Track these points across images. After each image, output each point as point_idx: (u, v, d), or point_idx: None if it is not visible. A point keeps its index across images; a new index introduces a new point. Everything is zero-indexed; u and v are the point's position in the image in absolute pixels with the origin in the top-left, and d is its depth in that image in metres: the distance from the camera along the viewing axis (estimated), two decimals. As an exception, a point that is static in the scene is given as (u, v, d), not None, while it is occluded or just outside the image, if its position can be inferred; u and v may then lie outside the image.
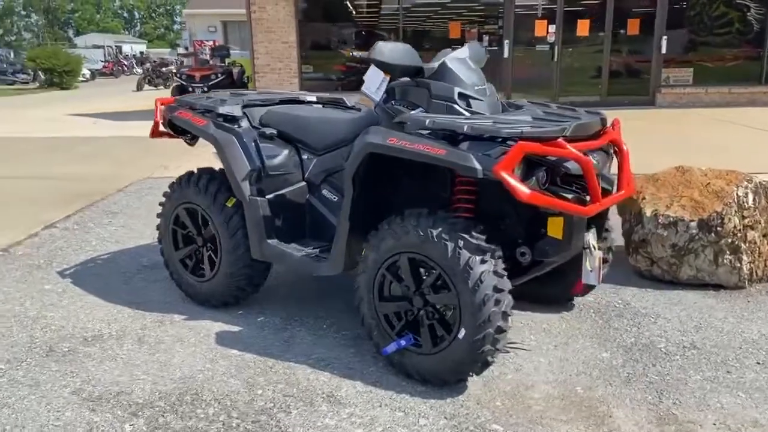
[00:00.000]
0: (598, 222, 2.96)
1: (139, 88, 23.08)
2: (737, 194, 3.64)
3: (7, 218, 5.27)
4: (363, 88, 3.23)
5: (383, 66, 2.85)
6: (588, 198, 2.62)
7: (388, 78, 3.06)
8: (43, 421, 2.42)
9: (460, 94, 2.87)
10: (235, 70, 14.47)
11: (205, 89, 13.57)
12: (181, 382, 2.71)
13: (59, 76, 24.14)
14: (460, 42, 13.86)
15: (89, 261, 4.25)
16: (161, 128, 3.55)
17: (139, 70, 30.50)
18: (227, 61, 15.11)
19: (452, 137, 2.53)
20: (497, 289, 2.47)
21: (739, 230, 3.60)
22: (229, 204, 3.23)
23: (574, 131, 2.60)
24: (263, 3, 12.86)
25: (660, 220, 3.67)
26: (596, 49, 13.59)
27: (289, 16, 13.01)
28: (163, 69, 24.52)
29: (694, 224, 3.60)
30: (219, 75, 13.84)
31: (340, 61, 13.97)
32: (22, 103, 18.02)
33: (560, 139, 2.50)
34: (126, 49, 49.07)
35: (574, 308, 3.46)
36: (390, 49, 2.83)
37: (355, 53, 13.50)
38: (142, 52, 45.04)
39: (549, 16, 13.35)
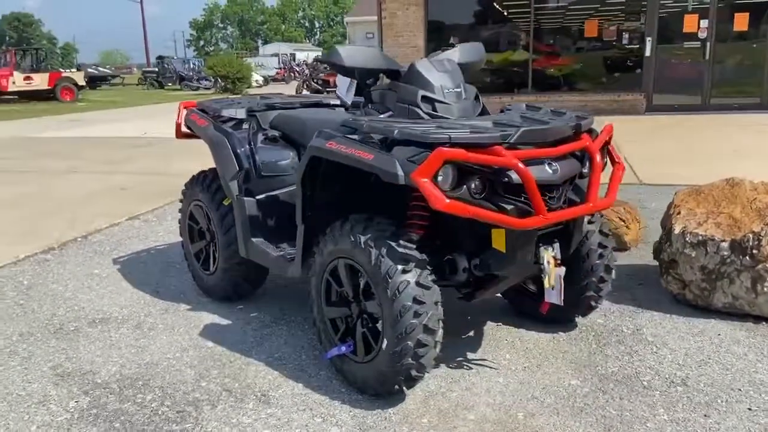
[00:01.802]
0: (565, 236, 2.71)
1: (298, 91, 24.50)
2: (784, 213, 3.15)
3: (103, 208, 5.91)
4: (337, 90, 3.23)
5: (340, 69, 2.84)
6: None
7: (355, 81, 3.05)
8: (10, 390, 2.72)
9: (424, 98, 2.78)
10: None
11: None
12: (144, 367, 2.91)
13: (232, 83, 26.28)
14: (598, 41, 13.16)
15: (145, 250, 4.65)
16: (184, 129, 3.79)
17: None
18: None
19: (388, 142, 2.47)
20: (417, 301, 2.36)
21: (783, 255, 3.10)
22: (225, 202, 3.39)
23: (521, 138, 2.42)
24: (394, 9, 13.10)
25: (688, 239, 3.27)
26: (756, 45, 12.21)
27: (418, 20, 13.14)
28: (321, 74, 25.82)
29: (725, 245, 3.16)
30: (353, 79, 14.28)
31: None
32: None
33: (499, 146, 2.35)
34: (301, 56, 52.18)
35: (575, 329, 3.20)
36: (347, 53, 2.81)
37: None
38: (315, 59, 47.67)
39: (700, 10, 12.22)
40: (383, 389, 2.54)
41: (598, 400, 2.57)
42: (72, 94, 23.43)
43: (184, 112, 3.75)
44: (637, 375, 2.75)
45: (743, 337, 3.06)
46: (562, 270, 2.60)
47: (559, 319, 3.21)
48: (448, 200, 2.27)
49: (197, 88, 29.84)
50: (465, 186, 2.37)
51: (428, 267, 2.45)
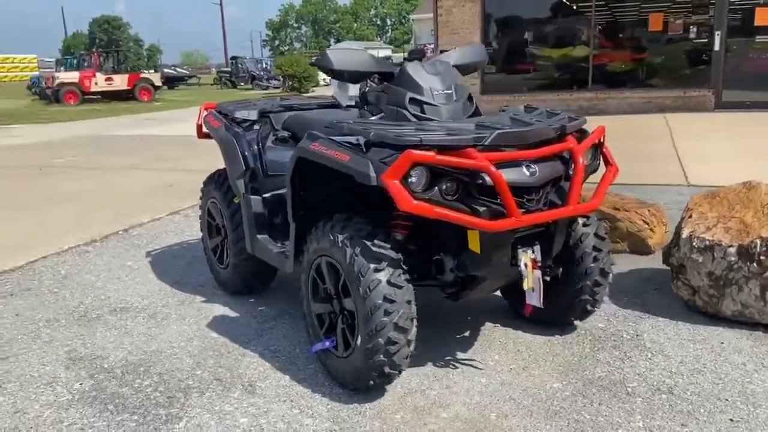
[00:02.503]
0: (546, 239, 2.70)
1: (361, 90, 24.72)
2: (797, 218, 3.01)
3: (150, 203, 6.22)
4: (333, 92, 3.31)
5: (329, 72, 2.92)
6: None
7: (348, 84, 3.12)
8: (25, 371, 2.95)
9: (412, 100, 2.83)
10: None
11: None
12: (149, 354, 3.08)
13: (299, 82, 26.83)
14: (663, 35, 12.69)
15: (177, 244, 4.88)
16: (204, 129, 3.97)
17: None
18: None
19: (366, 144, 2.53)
20: (388, 300, 2.41)
21: (794, 262, 2.97)
22: (236, 200, 3.54)
23: (496, 140, 2.44)
24: (450, 6, 13.07)
25: (695, 243, 3.17)
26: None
27: (475, 17, 13.04)
28: None
29: (732, 250, 3.05)
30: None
31: (526, 60, 13.65)
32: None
33: (472, 149, 2.37)
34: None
35: (573, 333, 3.17)
36: (336, 56, 2.89)
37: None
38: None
39: (777, 1, 11.58)
40: (359, 384, 2.61)
41: (575, 404, 2.55)
42: (149, 94, 24.55)
43: (204, 113, 3.93)
44: (623, 381, 2.71)
45: (747, 347, 2.95)
46: (539, 273, 2.59)
47: (557, 323, 3.19)
48: (415, 201, 2.32)
49: (267, 87, 30.62)
50: (437, 188, 2.41)
51: (403, 266, 2.50)
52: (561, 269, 3.01)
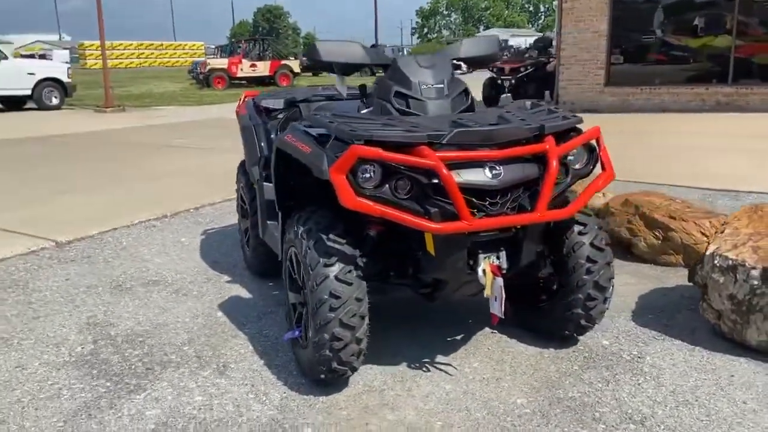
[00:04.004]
0: (514, 247, 2.52)
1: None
2: (839, 241, 2.58)
3: (229, 185, 6.54)
4: (336, 83, 3.29)
5: (318, 64, 2.91)
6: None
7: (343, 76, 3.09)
8: (46, 332, 3.24)
9: (398, 93, 2.77)
10: (553, 62, 14.28)
11: (512, 81, 13.81)
12: (153, 327, 3.28)
13: (431, 68, 26.84)
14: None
15: (234, 225, 5.11)
16: (243, 116, 4.12)
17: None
18: (552, 51, 14.97)
19: (327, 137, 2.52)
20: (334, 295, 2.40)
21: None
22: (255, 186, 3.65)
23: (455, 139, 2.33)
24: (575, -9, 12.45)
25: (716, 262, 2.83)
26: None
27: (603, 3, 12.32)
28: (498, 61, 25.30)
29: (756, 273, 2.69)
30: (528, 68, 13.88)
31: (658, 51, 12.68)
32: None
33: (425, 147, 2.29)
34: (515, 42, 51.30)
35: (570, 348, 2.96)
36: (324, 48, 2.88)
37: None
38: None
39: None
40: (312, 376, 2.62)
41: (530, 423, 2.39)
42: (288, 80, 25.78)
43: (243, 101, 4.08)
44: (595, 404, 2.49)
45: (761, 383, 2.59)
46: (500, 281, 2.44)
47: (555, 336, 2.99)
48: (359, 198, 2.28)
49: None
50: (388, 185, 2.34)
51: (358, 263, 2.47)
52: (558, 279, 2.84)
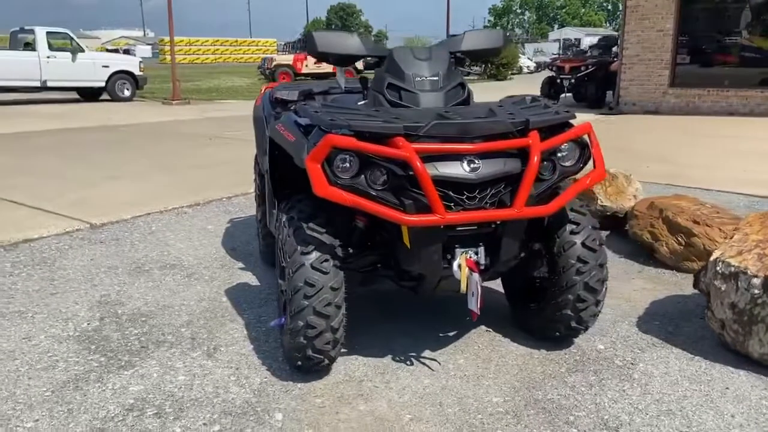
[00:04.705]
0: (494, 242, 2.47)
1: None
2: None
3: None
4: (336, 74, 3.30)
5: (314, 54, 2.93)
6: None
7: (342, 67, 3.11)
8: (59, 307, 3.40)
9: (390, 85, 2.77)
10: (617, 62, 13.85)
11: (572, 80, 13.48)
12: (159, 308, 3.39)
13: (496, 69, 26.56)
14: None
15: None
16: (264, 108, 4.19)
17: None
18: (614, 51, 14.53)
19: (310, 126, 2.54)
20: (308, 284, 2.42)
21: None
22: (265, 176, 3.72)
23: (432, 131, 2.32)
24: (641, -11, 12.03)
25: (719, 268, 2.70)
26: None
27: (669, 1, 11.85)
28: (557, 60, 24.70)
29: (757, 281, 2.54)
30: (589, 67, 13.50)
31: (729, 51, 12.09)
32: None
33: (400, 138, 2.29)
34: (588, 41, 50.01)
35: (563, 350, 2.88)
36: (320, 38, 2.89)
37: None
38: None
39: None
40: (290, 363, 2.66)
41: (499, 421, 2.34)
42: (351, 75, 25.96)
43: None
44: (572, 408, 2.42)
45: (755, 398, 2.46)
46: (476, 276, 2.40)
47: (548, 337, 2.92)
48: (330, 187, 2.29)
49: (468, 74, 30.60)
50: (363, 176, 2.35)
51: (336, 252, 2.48)
52: (550, 278, 2.77)
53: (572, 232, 2.67)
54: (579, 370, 2.70)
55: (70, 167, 7.34)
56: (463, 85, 2.85)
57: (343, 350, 2.85)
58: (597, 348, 2.90)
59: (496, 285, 3.29)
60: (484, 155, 2.35)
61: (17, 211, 5.29)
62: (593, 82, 13.58)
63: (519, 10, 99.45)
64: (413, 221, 2.28)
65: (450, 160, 2.33)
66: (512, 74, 28.01)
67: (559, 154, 2.53)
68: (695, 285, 2.97)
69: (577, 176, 2.65)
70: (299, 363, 2.58)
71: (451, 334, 3.06)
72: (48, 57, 16.01)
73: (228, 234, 4.71)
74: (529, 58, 35.04)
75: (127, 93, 17.49)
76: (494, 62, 26.38)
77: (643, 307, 3.34)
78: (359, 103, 2.93)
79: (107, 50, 47.29)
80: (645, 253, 4.09)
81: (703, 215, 3.82)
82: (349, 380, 2.66)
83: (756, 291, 2.54)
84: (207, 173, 6.98)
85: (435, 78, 2.76)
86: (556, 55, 40.26)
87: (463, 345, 2.95)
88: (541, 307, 2.83)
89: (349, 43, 2.93)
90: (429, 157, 2.31)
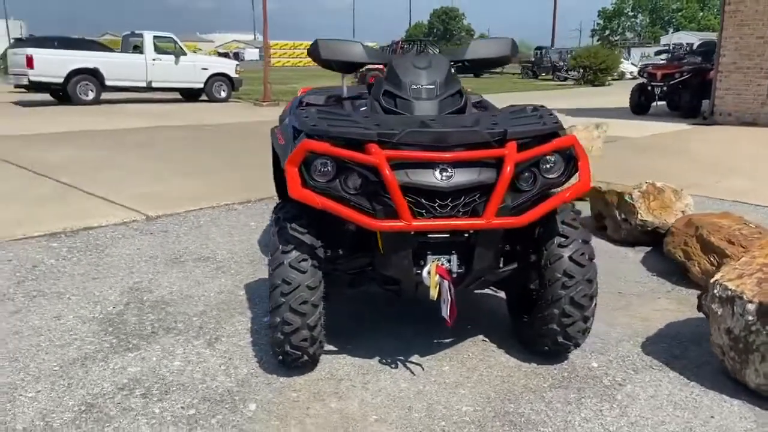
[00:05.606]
0: (466, 250, 2.47)
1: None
2: None
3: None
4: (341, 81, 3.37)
5: (319, 62, 3.02)
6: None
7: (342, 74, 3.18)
8: (93, 291, 3.67)
9: (386, 92, 2.82)
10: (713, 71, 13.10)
11: (664, 88, 12.87)
12: (180, 296, 3.60)
13: (594, 74, 25.76)
14: None
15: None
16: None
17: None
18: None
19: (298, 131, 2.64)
20: (285, 281, 2.51)
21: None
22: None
23: (406, 138, 2.36)
24: (740, -6, 11.34)
25: (716, 291, 2.56)
26: None
27: (771, 7, 11.09)
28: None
29: (751, 307, 2.40)
30: (684, 74, 12.82)
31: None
32: (543, 96, 20.31)
33: (373, 144, 2.35)
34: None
35: (554, 365, 2.83)
36: (325, 46, 2.98)
37: None
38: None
39: None
40: (274, 356, 2.76)
41: (461, 430, 2.35)
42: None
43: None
44: (539, 424, 2.39)
45: (740, 429, 2.32)
46: (446, 284, 2.41)
47: (537, 351, 2.87)
48: (303, 189, 2.38)
49: (565, 79, 29.91)
50: (338, 180, 2.42)
51: (316, 253, 2.56)
52: (539, 291, 2.73)
53: (560, 245, 2.62)
54: (562, 387, 2.65)
55: (150, 163, 7.84)
56: (460, 93, 2.85)
57: (333, 349, 2.94)
58: (590, 365, 2.82)
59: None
60: (457, 164, 2.36)
61: (88, 202, 5.73)
62: (688, 90, 12.89)
63: (631, 13, 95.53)
64: (380, 226, 2.33)
65: (423, 167, 2.36)
66: (612, 80, 26.99)
67: (544, 166, 2.49)
68: (699, 308, 2.83)
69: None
70: (280, 357, 2.68)
71: (445, 341, 3.07)
72: (153, 59, 17.03)
73: (266, 231, 4.90)
74: (633, 63, 33.62)
75: (223, 94, 18.32)
76: (592, 67, 25.58)
77: (657, 328, 3.21)
78: (361, 110, 3.00)
79: (218, 53, 49.53)
80: (678, 273, 3.91)
81: (741, 235, 3.60)
82: (330, 378, 2.73)
83: (750, 318, 2.40)
84: (261, 173, 7.23)
85: (431, 86, 2.79)
86: (649, 62, 38.53)
87: (453, 352, 2.95)
88: (531, 320, 2.80)
89: (352, 50, 3.01)
90: (402, 164, 2.35)
